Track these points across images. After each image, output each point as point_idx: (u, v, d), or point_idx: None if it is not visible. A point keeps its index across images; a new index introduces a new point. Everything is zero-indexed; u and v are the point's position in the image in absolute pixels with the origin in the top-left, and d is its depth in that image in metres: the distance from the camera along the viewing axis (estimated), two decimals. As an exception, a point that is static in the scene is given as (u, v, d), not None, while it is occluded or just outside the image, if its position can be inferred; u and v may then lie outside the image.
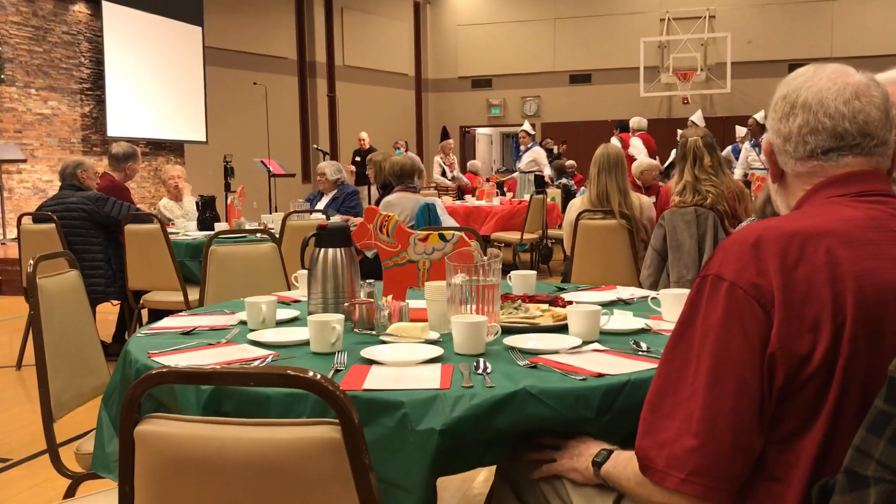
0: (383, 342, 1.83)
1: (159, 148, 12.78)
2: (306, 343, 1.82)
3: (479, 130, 20.19)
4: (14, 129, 10.45)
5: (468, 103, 18.89)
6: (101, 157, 10.79)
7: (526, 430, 1.49)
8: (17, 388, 4.64)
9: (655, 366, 1.54)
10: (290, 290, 3.09)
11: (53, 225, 4.69)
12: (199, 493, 1.15)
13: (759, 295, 1.15)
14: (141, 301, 4.78)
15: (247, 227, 5.30)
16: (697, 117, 10.73)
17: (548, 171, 10.73)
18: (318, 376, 1.10)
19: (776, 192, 1.38)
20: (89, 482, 2.09)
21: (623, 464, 1.32)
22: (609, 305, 2.27)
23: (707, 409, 1.16)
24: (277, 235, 4.43)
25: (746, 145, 9.48)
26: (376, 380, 1.53)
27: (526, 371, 1.58)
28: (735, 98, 16.40)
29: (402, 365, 1.64)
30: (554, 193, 9.36)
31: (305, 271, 2.24)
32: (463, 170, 12.74)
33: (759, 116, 9.29)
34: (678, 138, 4.11)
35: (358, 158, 12.35)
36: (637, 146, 10.30)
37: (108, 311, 5.41)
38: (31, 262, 2.19)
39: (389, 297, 2.08)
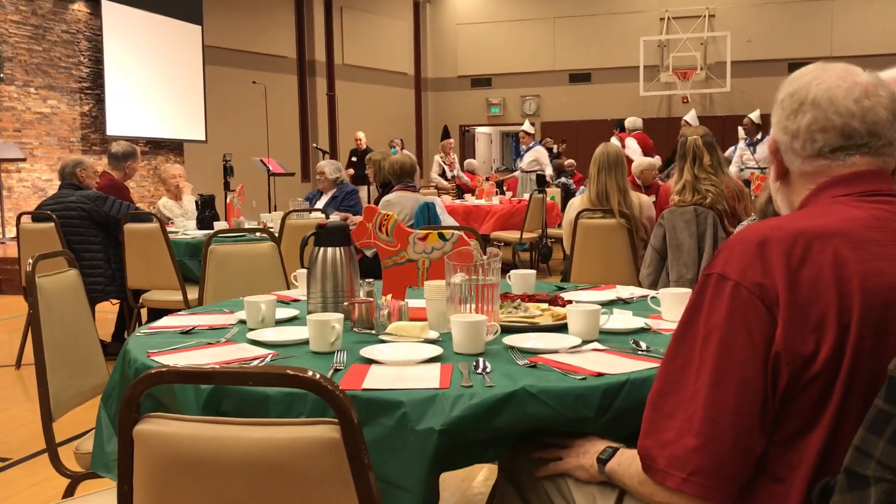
0: (383, 341, 1.83)
1: (159, 147, 12.77)
2: (305, 342, 1.82)
3: (479, 129, 20.17)
4: (13, 128, 10.45)
5: (468, 102, 18.87)
6: (101, 156, 10.78)
7: (525, 429, 1.49)
8: (17, 387, 4.63)
9: (655, 365, 1.54)
10: (289, 289, 3.09)
11: (53, 224, 4.69)
12: (199, 493, 1.15)
13: (764, 295, 1.14)
14: (140, 300, 4.78)
15: (246, 226, 5.30)
16: (691, 116, 10.70)
17: (549, 171, 10.73)
18: (318, 376, 1.09)
19: (777, 190, 1.37)
20: (88, 481, 2.09)
21: (627, 462, 1.32)
22: (608, 305, 2.27)
23: (709, 409, 1.15)
24: (277, 234, 4.42)
25: (741, 144, 9.47)
26: (376, 379, 1.53)
27: (525, 370, 1.58)
28: (735, 97, 16.39)
29: (401, 364, 1.63)
30: (553, 192, 9.36)
31: (305, 270, 2.24)
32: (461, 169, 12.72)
33: (754, 116, 9.28)
34: (678, 137, 4.11)
35: (354, 158, 12.25)
36: (632, 146, 10.28)
37: (108, 311, 5.41)
38: (31, 261, 2.19)
39: (389, 296, 2.08)
